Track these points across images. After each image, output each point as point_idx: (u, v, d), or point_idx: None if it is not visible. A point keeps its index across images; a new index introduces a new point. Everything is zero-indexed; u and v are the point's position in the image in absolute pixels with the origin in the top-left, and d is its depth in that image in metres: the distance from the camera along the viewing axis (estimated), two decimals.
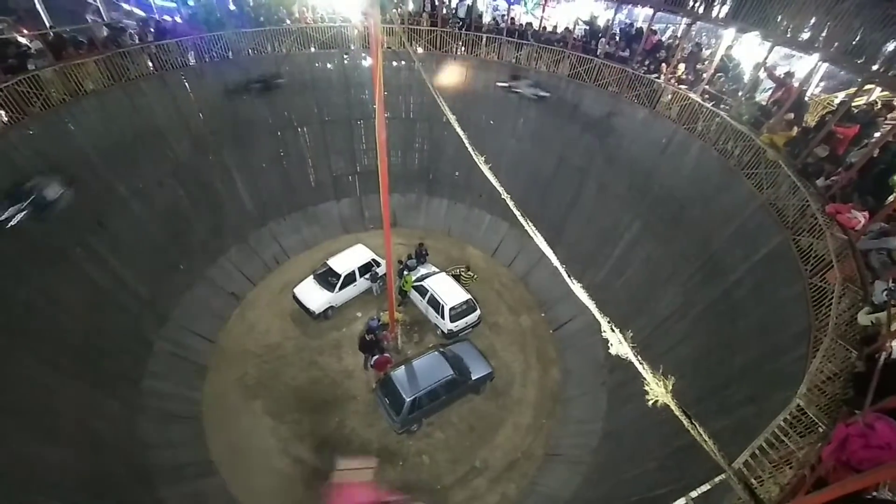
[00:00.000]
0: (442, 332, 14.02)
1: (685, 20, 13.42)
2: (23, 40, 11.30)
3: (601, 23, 16.45)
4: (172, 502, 9.55)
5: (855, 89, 9.38)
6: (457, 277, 15.11)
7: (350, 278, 14.56)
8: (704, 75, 12.42)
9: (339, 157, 17.75)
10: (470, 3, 17.48)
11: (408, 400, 11.08)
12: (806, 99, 11.06)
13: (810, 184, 8.80)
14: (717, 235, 10.58)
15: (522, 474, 11.41)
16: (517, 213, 4.54)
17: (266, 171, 16.22)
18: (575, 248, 14.74)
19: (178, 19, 14.34)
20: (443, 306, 13.64)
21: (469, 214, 18.47)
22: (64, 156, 10.51)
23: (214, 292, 14.52)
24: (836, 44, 9.18)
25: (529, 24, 16.67)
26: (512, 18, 17.88)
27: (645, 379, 3.31)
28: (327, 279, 14.48)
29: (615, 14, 15.47)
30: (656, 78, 13.01)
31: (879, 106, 9.72)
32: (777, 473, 4.55)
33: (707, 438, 3.03)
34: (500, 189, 4.80)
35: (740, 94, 11.74)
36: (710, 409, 8.08)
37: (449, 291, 14.09)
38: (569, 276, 3.99)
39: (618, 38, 14.52)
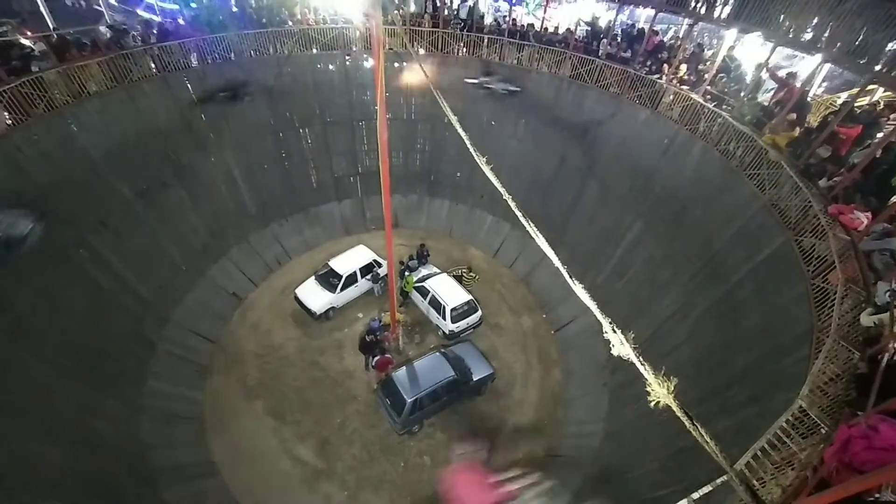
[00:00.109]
0: (443, 332, 14.01)
1: (687, 21, 13.43)
2: (26, 42, 11.34)
3: (603, 24, 16.46)
4: (173, 503, 9.56)
5: (857, 90, 9.35)
6: (458, 278, 15.11)
7: (351, 279, 14.58)
8: (706, 76, 12.40)
9: (340, 159, 17.79)
10: (471, 5, 17.53)
11: (409, 401, 11.08)
12: (808, 99, 11.02)
13: (813, 184, 8.77)
14: (719, 236, 10.55)
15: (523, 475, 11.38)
16: (518, 213, 4.54)
17: (268, 172, 16.26)
18: (576, 248, 14.73)
19: (180, 21, 14.40)
20: (444, 307, 13.64)
21: (470, 215, 18.48)
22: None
23: (216, 293, 14.55)
24: (838, 44, 9.15)
25: (531, 25, 16.69)
26: (513, 19, 17.91)
27: (646, 380, 3.31)
28: (329, 280, 14.49)
29: (617, 15, 15.47)
30: (658, 79, 13.00)
31: (882, 106, 9.71)
32: (779, 475, 4.53)
33: (709, 439, 3.02)
34: (502, 190, 4.81)
35: (742, 94, 11.72)
36: (711, 410, 8.06)
37: (450, 292, 14.09)
38: (570, 276, 3.99)
39: (619, 39, 14.52)
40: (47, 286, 9.70)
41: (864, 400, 4.46)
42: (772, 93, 11.83)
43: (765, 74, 11.48)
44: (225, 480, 10.68)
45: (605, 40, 14.64)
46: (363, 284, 15.02)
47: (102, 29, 13.23)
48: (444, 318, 13.67)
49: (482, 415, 12.44)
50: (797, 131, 10.18)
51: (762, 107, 11.20)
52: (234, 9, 15.46)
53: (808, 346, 6.70)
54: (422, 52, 16.09)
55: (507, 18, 17.56)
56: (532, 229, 4.34)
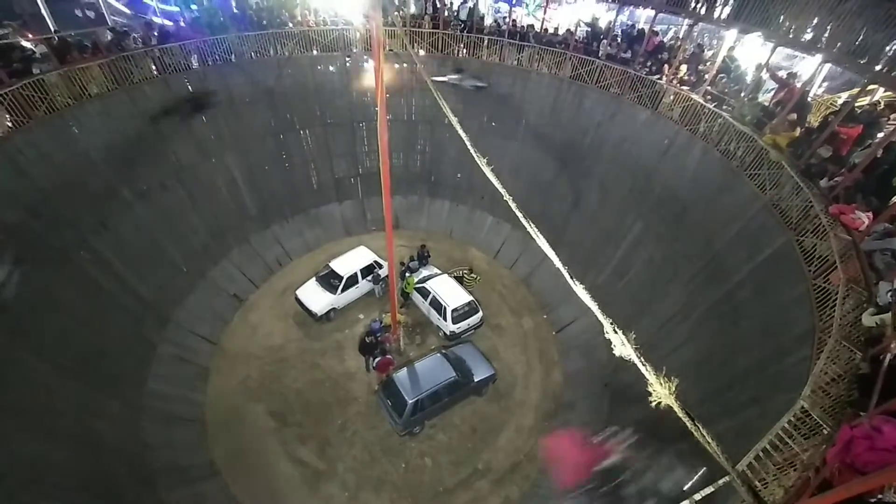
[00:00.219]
0: (444, 333, 14.00)
1: (687, 21, 13.43)
2: (28, 45, 11.37)
3: (603, 24, 16.46)
4: None
5: (858, 90, 9.34)
6: (459, 279, 15.11)
7: (352, 280, 14.57)
8: (706, 76, 12.40)
9: (341, 160, 17.81)
10: (472, 6, 17.54)
11: (410, 402, 11.07)
12: (809, 99, 11.01)
13: (814, 184, 8.77)
14: (720, 236, 10.55)
15: (524, 476, 11.37)
16: (519, 214, 4.54)
17: (268, 174, 16.28)
18: (577, 249, 14.72)
19: (181, 23, 14.43)
20: (445, 308, 13.63)
21: (471, 216, 18.48)
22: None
23: (216, 294, 14.55)
24: (838, 44, 9.14)
25: (531, 26, 16.68)
26: (513, 20, 17.91)
27: (648, 380, 3.31)
28: (329, 281, 14.49)
29: (617, 15, 15.49)
30: (658, 79, 13.00)
31: (882, 106, 9.68)
32: (781, 475, 4.52)
33: (710, 440, 3.01)
34: (502, 190, 4.81)
35: (743, 95, 11.71)
36: (713, 410, 8.04)
37: (451, 293, 14.08)
38: (571, 277, 3.99)
39: (619, 40, 14.52)
40: (48, 287, 9.71)
41: (866, 400, 4.46)
42: (772, 93, 11.81)
43: (765, 75, 11.48)
44: (226, 482, 10.68)
45: (605, 41, 14.64)
46: (364, 285, 15.02)
47: (103, 30, 13.26)
48: (444, 319, 13.66)
49: (483, 416, 12.43)
50: (798, 131, 10.16)
51: (762, 107, 11.19)
52: (235, 10, 15.46)
53: (809, 347, 6.69)
54: (422, 53, 16.11)
55: (507, 19, 17.58)
56: (532, 230, 4.34)
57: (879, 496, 3.28)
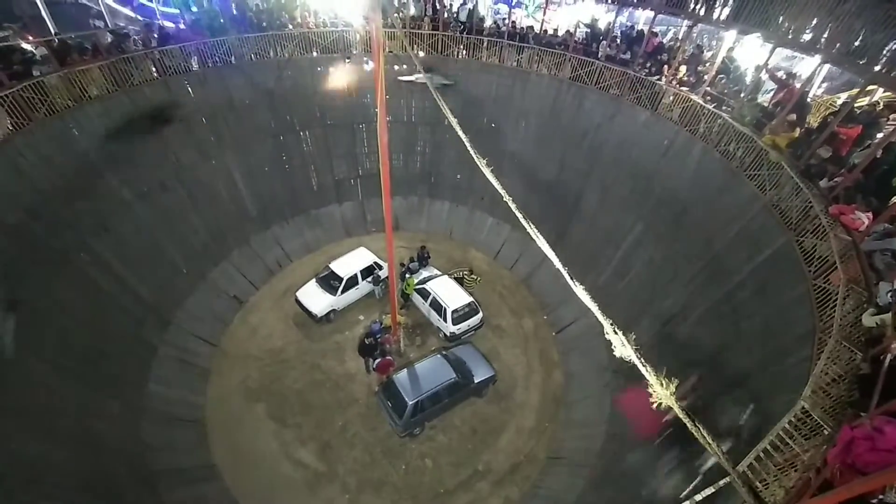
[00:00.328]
0: (444, 334, 13.99)
1: (686, 22, 13.44)
2: (28, 47, 11.38)
3: (602, 25, 16.47)
4: None
5: (857, 90, 9.35)
6: (460, 280, 15.10)
7: (352, 281, 14.57)
8: (706, 77, 12.41)
9: (341, 161, 17.81)
10: (471, 7, 17.55)
11: (410, 403, 11.06)
12: (808, 100, 11.02)
13: (813, 185, 8.77)
14: (720, 237, 10.55)
15: (525, 478, 11.36)
16: (519, 215, 4.55)
17: (268, 175, 16.28)
18: (577, 250, 14.72)
19: (181, 25, 14.45)
20: (445, 309, 13.63)
21: (471, 217, 18.48)
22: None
23: (217, 296, 14.55)
24: (837, 45, 9.15)
25: (531, 27, 16.69)
26: (513, 22, 17.92)
27: (648, 381, 3.31)
28: (329, 282, 14.49)
29: (616, 17, 15.51)
30: (658, 80, 13.01)
31: (882, 107, 9.68)
32: (782, 476, 4.52)
33: (711, 441, 3.01)
34: (502, 191, 4.82)
35: (742, 95, 11.72)
36: (713, 411, 8.04)
37: (451, 294, 14.07)
38: (571, 278, 3.99)
39: (619, 41, 14.53)
40: (48, 288, 9.72)
41: (867, 401, 4.46)
42: (771, 94, 11.83)
43: (764, 75, 11.49)
44: (226, 484, 10.67)
45: (604, 42, 14.66)
46: (364, 287, 15.01)
47: (103, 32, 13.27)
48: (445, 320, 13.65)
49: (483, 417, 12.41)
50: (797, 132, 10.17)
51: (762, 108, 11.21)
52: (235, 12, 15.48)
53: (809, 347, 6.69)
54: (422, 54, 16.13)
55: (507, 21, 17.59)
56: (532, 231, 4.34)
57: (880, 497, 3.28)
